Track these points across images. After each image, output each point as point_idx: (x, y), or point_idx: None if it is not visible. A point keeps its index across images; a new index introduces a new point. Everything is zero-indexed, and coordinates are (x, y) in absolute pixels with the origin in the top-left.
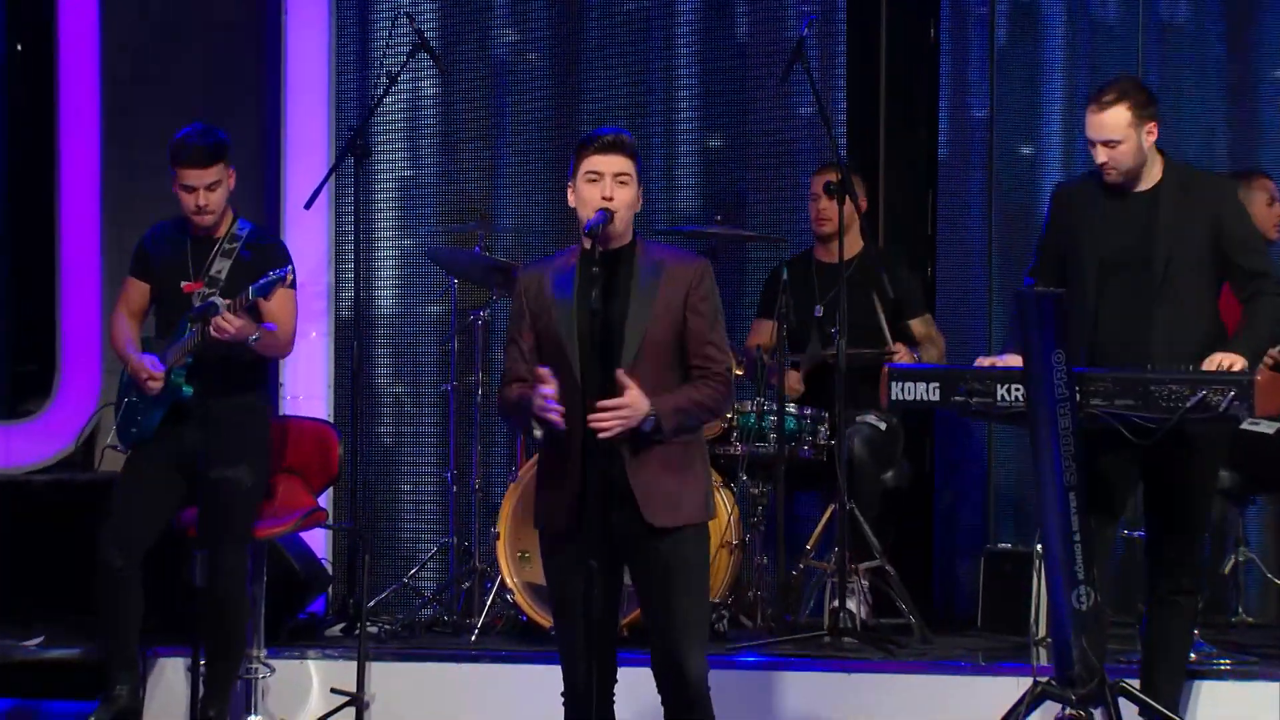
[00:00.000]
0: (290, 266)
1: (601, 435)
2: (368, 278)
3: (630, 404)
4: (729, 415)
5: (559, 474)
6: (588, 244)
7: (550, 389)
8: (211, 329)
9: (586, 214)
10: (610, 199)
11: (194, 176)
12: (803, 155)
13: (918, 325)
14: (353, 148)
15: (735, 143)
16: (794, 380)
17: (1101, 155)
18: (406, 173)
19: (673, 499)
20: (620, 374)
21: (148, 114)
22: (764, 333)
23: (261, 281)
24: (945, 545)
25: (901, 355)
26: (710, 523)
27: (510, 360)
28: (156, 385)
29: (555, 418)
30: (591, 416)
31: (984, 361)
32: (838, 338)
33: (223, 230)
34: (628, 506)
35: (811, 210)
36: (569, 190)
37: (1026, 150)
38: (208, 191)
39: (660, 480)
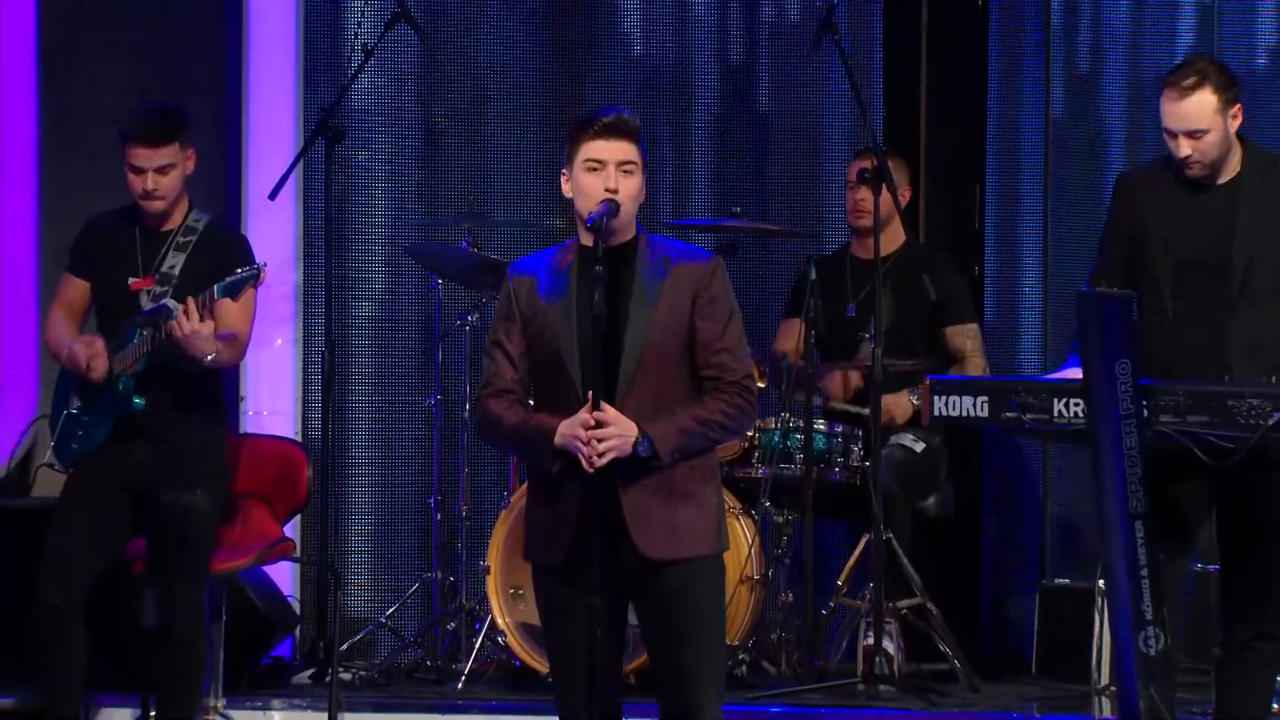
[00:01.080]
0: (262, 264)
1: (589, 467)
2: (340, 277)
3: (613, 426)
4: (749, 433)
5: (552, 499)
6: (588, 240)
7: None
8: (173, 326)
9: (585, 206)
10: (615, 191)
11: (144, 156)
12: (834, 140)
13: (958, 336)
14: (324, 130)
15: (756, 125)
16: (838, 386)
17: (1184, 148)
18: (385, 158)
19: (670, 528)
20: (601, 410)
21: (91, 92)
22: (792, 335)
23: (230, 279)
24: (995, 580)
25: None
26: (728, 555)
27: (494, 367)
28: (101, 367)
29: (593, 455)
30: (574, 447)
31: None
32: (873, 344)
33: (176, 220)
34: (625, 537)
35: (848, 200)
36: (563, 179)
37: (1088, 133)
38: (158, 174)
39: (655, 508)
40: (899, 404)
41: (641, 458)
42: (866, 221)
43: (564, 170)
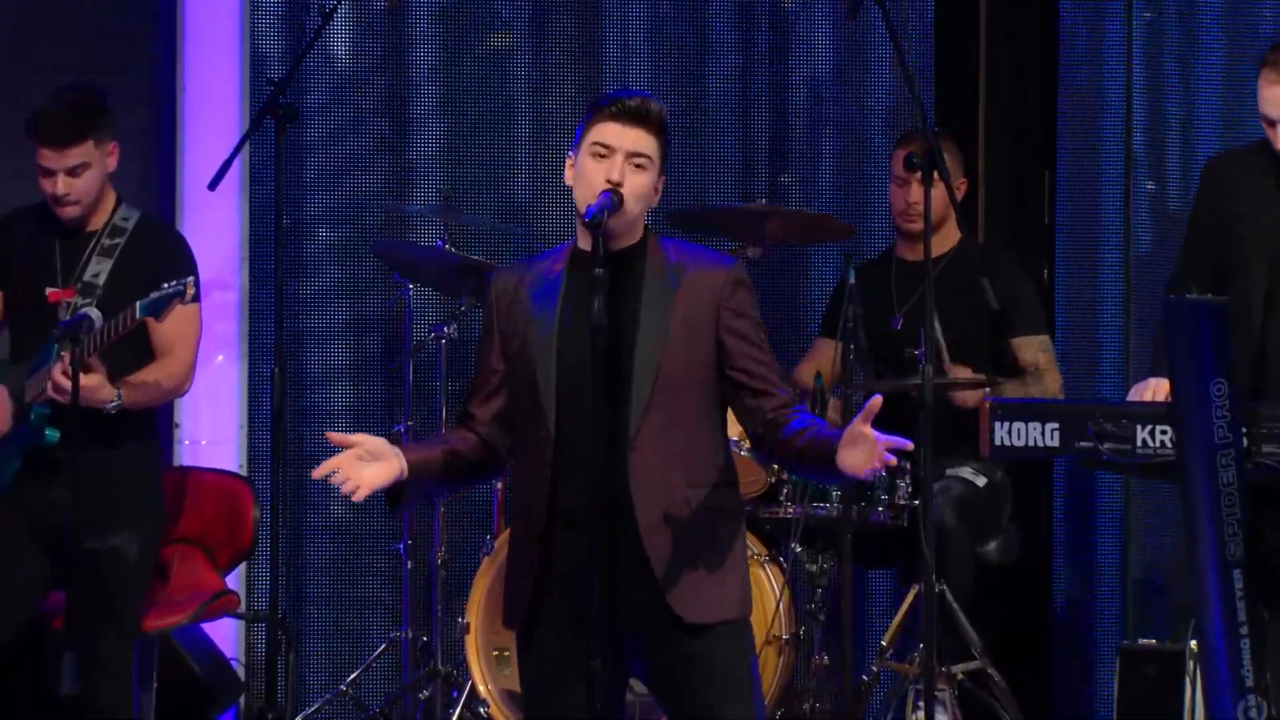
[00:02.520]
0: (192, 276)
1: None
2: (293, 282)
3: None
4: (776, 466)
5: (526, 556)
6: (586, 242)
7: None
8: (48, 388)
9: (584, 198)
10: (618, 183)
11: (52, 157)
12: (877, 121)
13: (1027, 348)
14: (273, 108)
15: (785, 103)
16: (836, 411)
17: None
18: (345, 142)
19: (709, 586)
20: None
21: None
22: (823, 356)
23: (152, 296)
24: (1068, 640)
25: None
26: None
27: (471, 387)
28: (2, 428)
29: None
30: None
31: (1144, 394)
32: (922, 361)
33: (100, 220)
34: (644, 588)
35: (894, 198)
36: (567, 163)
37: (1177, 115)
38: (70, 176)
39: (691, 558)
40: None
41: (666, 493)
42: (918, 225)
43: (570, 154)
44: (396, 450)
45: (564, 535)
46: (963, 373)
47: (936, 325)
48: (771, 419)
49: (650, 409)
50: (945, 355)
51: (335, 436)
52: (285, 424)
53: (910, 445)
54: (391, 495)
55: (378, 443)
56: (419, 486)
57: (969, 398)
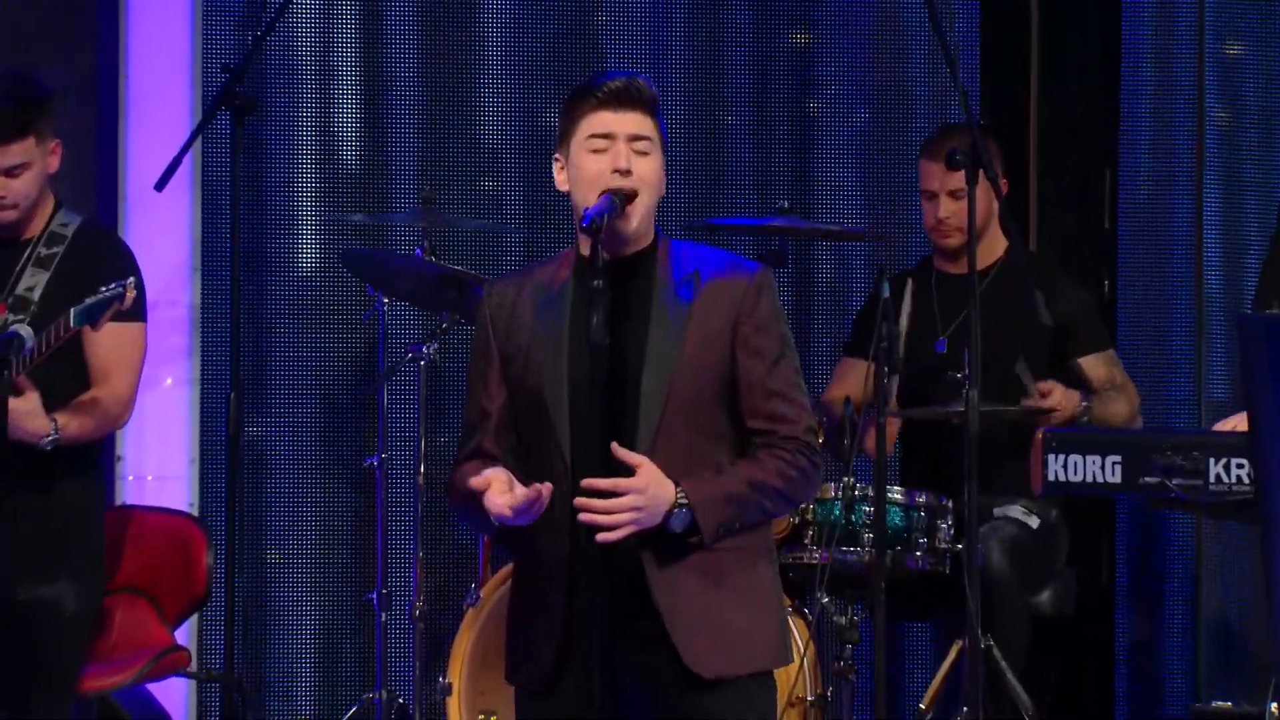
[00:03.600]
0: (132, 278)
1: (601, 539)
2: (252, 295)
3: (643, 488)
4: (807, 504)
5: (539, 601)
6: (587, 247)
7: (524, 498)
8: None
9: (586, 199)
10: (627, 171)
11: None
12: (913, 113)
13: (1095, 365)
14: (228, 98)
15: (807, 95)
16: (890, 433)
17: None
18: (311, 137)
19: (727, 634)
20: (620, 450)
21: None
22: (853, 379)
23: (87, 302)
24: (1133, 702)
25: (1061, 406)
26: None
27: (467, 423)
28: None
29: (509, 512)
30: (580, 503)
31: (1226, 428)
32: (967, 386)
33: (37, 227)
34: (654, 644)
35: (926, 215)
36: (555, 165)
37: (1255, 106)
38: (7, 178)
39: (705, 604)
40: (1070, 397)
41: (674, 534)
42: (954, 240)
43: (556, 155)
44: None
45: (588, 582)
46: (1055, 391)
47: (1022, 363)
48: (752, 447)
49: (660, 436)
50: (1030, 384)
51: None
52: (242, 456)
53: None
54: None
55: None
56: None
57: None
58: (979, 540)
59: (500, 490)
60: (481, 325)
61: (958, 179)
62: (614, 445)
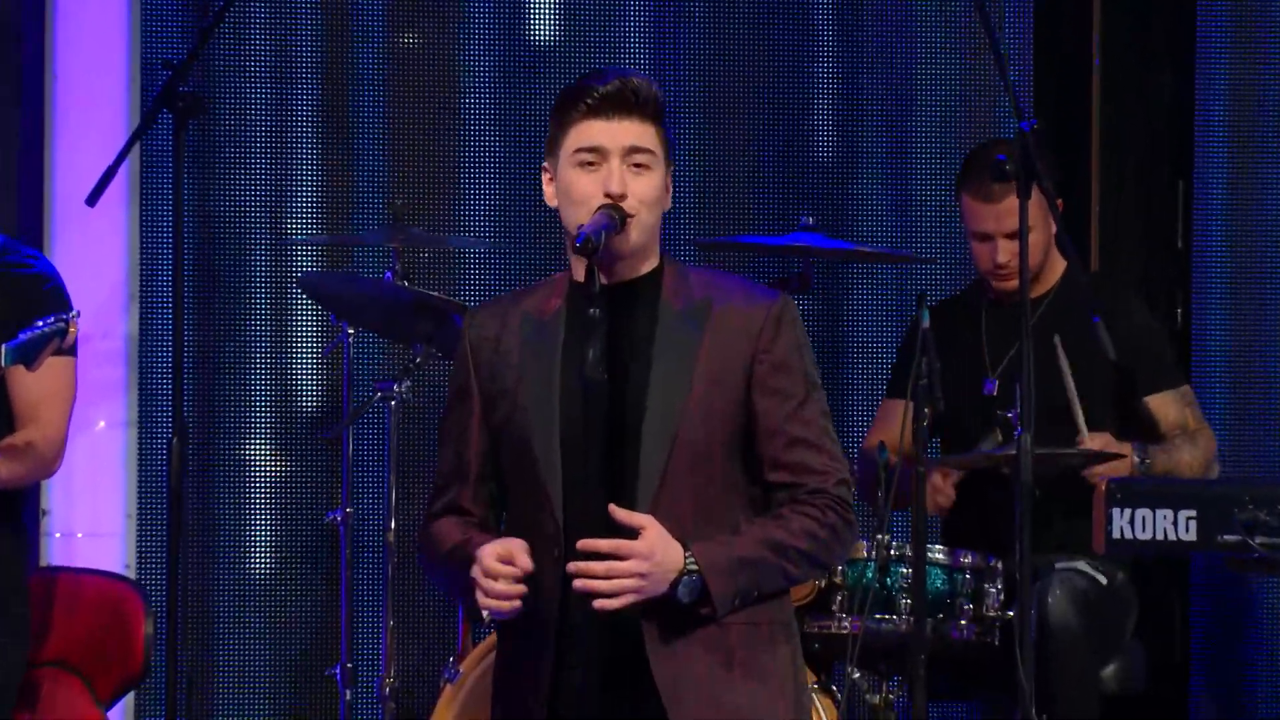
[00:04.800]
0: (74, 313)
1: (599, 607)
2: (197, 324)
3: (649, 552)
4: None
5: (526, 676)
6: (581, 271)
7: (512, 571)
8: None
9: (576, 219)
10: (621, 196)
11: None
12: (958, 119)
13: (1166, 405)
14: (170, 100)
15: (835, 99)
16: (939, 487)
17: None
18: (266, 143)
19: (730, 716)
20: (619, 512)
21: None
22: (895, 427)
23: (22, 338)
24: None
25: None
26: None
27: (441, 474)
28: None
29: (505, 607)
30: (575, 568)
31: None
32: (1019, 430)
33: None
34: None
35: (980, 259)
36: (545, 179)
37: None
38: None
39: (712, 685)
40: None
41: (680, 604)
42: (1014, 283)
43: (545, 165)
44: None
45: (580, 655)
46: (1102, 443)
47: (1069, 380)
48: (774, 504)
49: (664, 491)
50: (1081, 421)
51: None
52: (186, 511)
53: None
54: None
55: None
56: None
57: (1114, 469)
58: (1039, 593)
59: (506, 578)
60: (461, 361)
61: (1015, 217)
62: (612, 507)
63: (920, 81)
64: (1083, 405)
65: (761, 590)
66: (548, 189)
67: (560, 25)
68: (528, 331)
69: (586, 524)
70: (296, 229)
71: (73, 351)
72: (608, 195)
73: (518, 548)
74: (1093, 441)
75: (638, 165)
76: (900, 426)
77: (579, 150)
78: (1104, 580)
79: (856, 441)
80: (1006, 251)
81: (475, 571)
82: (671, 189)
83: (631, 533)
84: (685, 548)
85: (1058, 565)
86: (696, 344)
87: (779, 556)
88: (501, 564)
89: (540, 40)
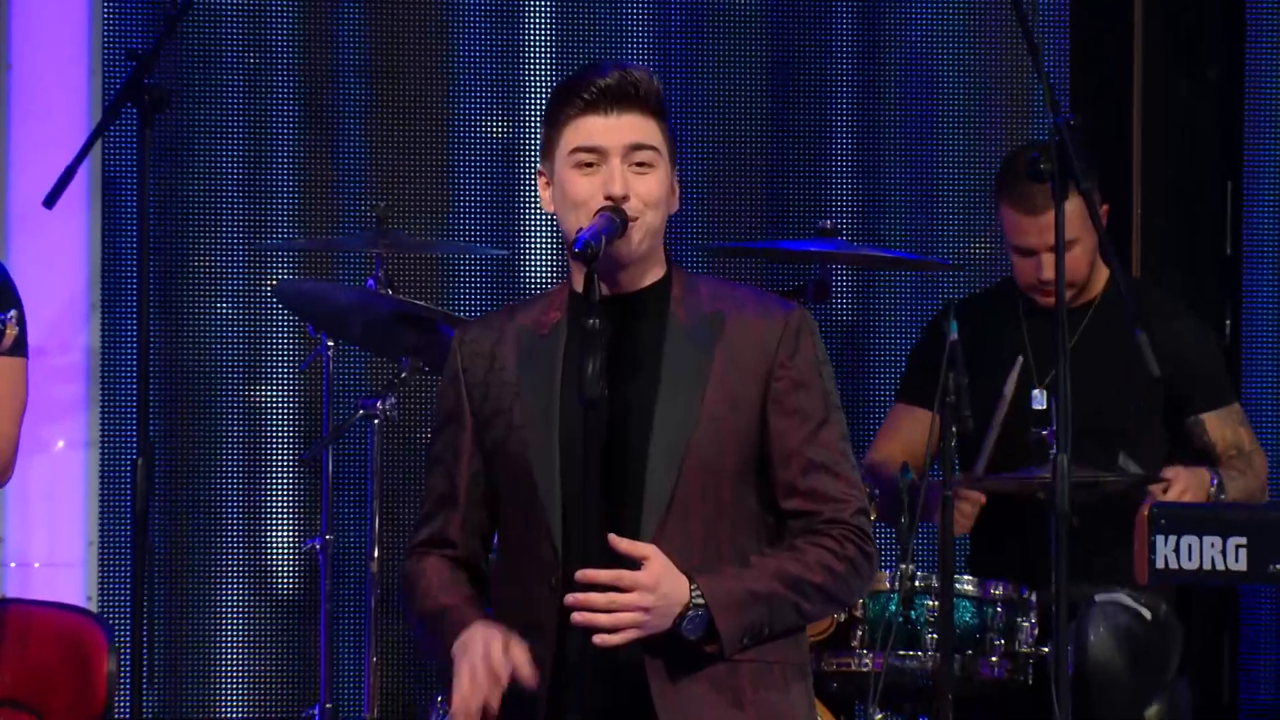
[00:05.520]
0: (14, 311)
1: (599, 642)
2: (164, 336)
3: (652, 584)
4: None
5: (523, 716)
6: (580, 280)
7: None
8: None
9: (575, 223)
10: (622, 197)
11: None
12: (987, 116)
13: (1217, 425)
14: (135, 94)
15: (855, 94)
16: (964, 511)
17: None
18: (239, 140)
19: None
20: (620, 542)
21: None
22: (908, 432)
23: None
24: None
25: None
26: None
27: (430, 498)
28: None
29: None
30: (573, 600)
31: None
32: (1055, 452)
33: None
34: None
35: (1021, 274)
36: (540, 183)
37: None
38: None
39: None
40: (1197, 479)
41: (688, 640)
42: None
43: (540, 168)
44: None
45: (579, 695)
46: (1178, 479)
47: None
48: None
49: (670, 518)
50: (1130, 470)
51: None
52: (152, 538)
53: None
54: None
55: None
56: None
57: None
58: (1076, 628)
59: (478, 686)
60: (451, 381)
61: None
62: (612, 537)
63: (946, 76)
64: (1128, 425)
65: (773, 628)
66: (544, 194)
67: (560, 18)
68: (525, 347)
69: (586, 552)
70: (272, 232)
71: (20, 352)
72: (608, 198)
73: (520, 659)
74: (1177, 483)
75: (640, 164)
76: (913, 436)
77: (576, 150)
78: (1147, 614)
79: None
80: (1052, 267)
81: (461, 667)
82: (679, 190)
83: (634, 563)
84: (691, 580)
85: (1097, 598)
86: (707, 360)
87: (793, 591)
88: (494, 668)
89: (538, 33)
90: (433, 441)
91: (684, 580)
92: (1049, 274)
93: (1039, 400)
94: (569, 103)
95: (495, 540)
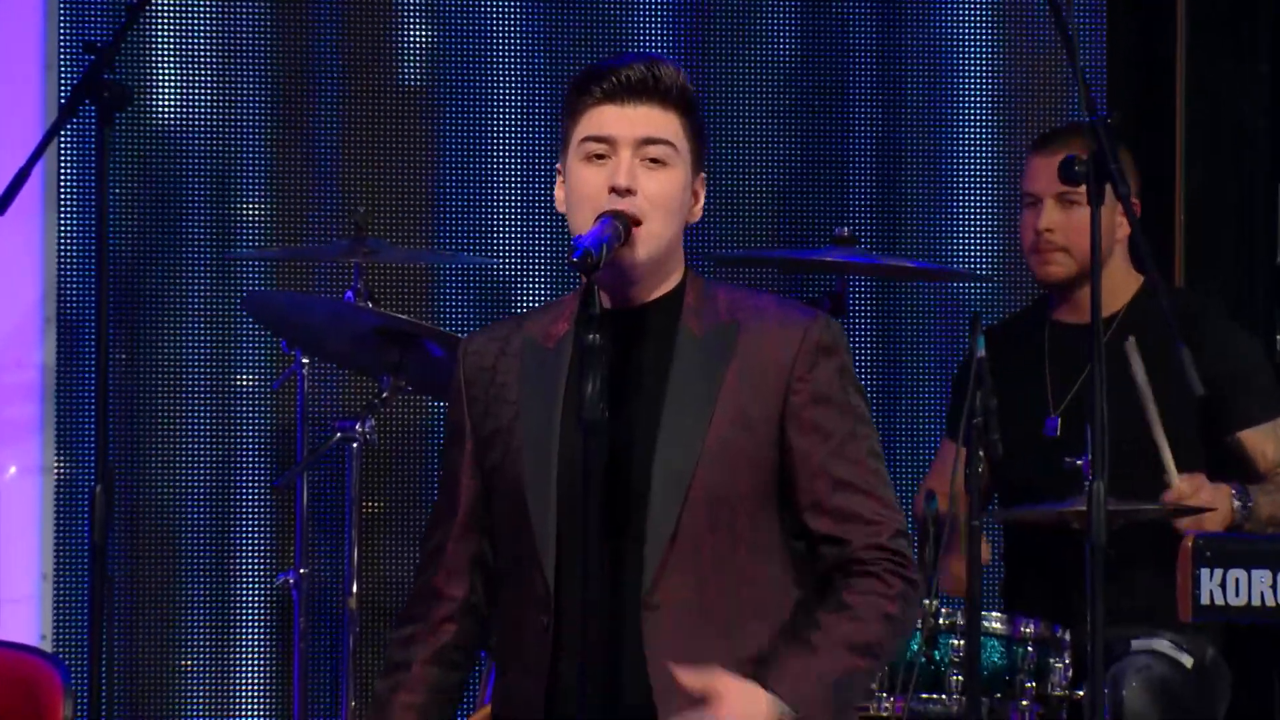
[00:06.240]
0: None
1: None
2: (126, 353)
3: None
4: None
5: None
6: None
7: None
8: None
9: (579, 223)
10: (626, 190)
11: None
12: (1019, 118)
13: (1262, 440)
14: (93, 90)
15: (875, 93)
16: (954, 570)
17: None
18: (207, 141)
19: None
20: (685, 676)
21: None
22: (950, 467)
23: None
24: None
25: (1214, 504)
26: None
27: (434, 517)
28: None
29: None
30: None
31: None
32: (1090, 480)
33: None
34: None
35: (1024, 227)
36: (558, 181)
37: None
38: None
39: None
40: (1219, 496)
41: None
42: (1059, 269)
43: (558, 164)
44: None
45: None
46: (1202, 490)
47: (1156, 422)
48: (828, 576)
49: (675, 551)
50: (1171, 467)
51: None
52: (112, 572)
53: None
54: None
55: None
56: None
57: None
58: (1112, 678)
59: None
60: (455, 395)
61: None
62: (677, 673)
63: (973, 71)
64: (1161, 445)
65: (854, 701)
66: (559, 192)
67: (558, 11)
68: (528, 361)
69: (585, 590)
70: (242, 241)
71: None
72: (613, 190)
73: None
74: (1185, 485)
75: (653, 160)
76: (953, 472)
77: (586, 140)
78: (1189, 662)
79: (905, 487)
80: (1050, 217)
81: None
82: (703, 199)
83: (636, 603)
84: (767, 686)
85: (1135, 646)
86: (718, 377)
87: (866, 658)
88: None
89: (534, 28)
90: (443, 454)
91: (761, 695)
92: (1044, 223)
93: (1053, 424)
94: (587, 92)
95: None
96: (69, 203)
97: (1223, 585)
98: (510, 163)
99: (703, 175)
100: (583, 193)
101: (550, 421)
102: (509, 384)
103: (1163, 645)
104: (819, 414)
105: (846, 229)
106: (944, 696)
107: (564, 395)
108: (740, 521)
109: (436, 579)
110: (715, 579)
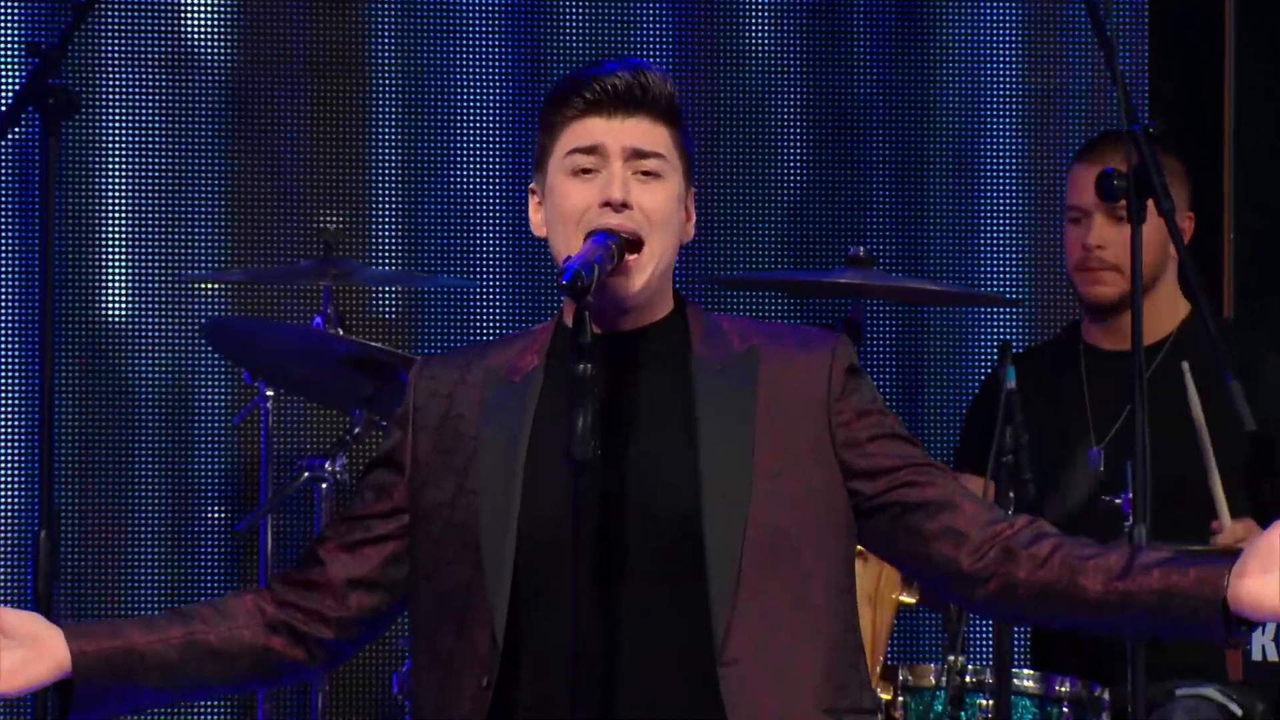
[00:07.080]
0: None
1: None
2: (73, 384)
3: None
4: (886, 696)
5: None
6: (571, 314)
7: None
8: None
9: (567, 243)
10: (622, 205)
11: None
12: (1049, 129)
13: None
14: (38, 96)
15: (893, 102)
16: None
17: None
18: (163, 151)
19: None
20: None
21: None
22: None
23: None
24: None
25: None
26: None
27: (323, 530)
28: None
29: None
30: None
31: None
32: (1130, 525)
33: None
34: None
35: (1070, 243)
36: (532, 202)
37: None
38: None
39: None
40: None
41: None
42: (1110, 289)
43: (532, 184)
44: (57, 630)
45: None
46: (1246, 533)
47: (1209, 455)
48: (998, 538)
49: (740, 597)
50: (1223, 506)
51: None
52: (59, 616)
53: None
54: (62, 698)
55: (23, 620)
56: (112, 690)
57: None
58: None
59: None
60: (400, 418)
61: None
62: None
63: (1000, 79)
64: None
65: None
66: (534, 216)
67: (540, 21)
68: (490, 394)
69: (539, 649)
70: (201, 262)
71: None
72: (606, 204)
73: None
74: (1240, 528)
75: (646, 174)
76: None
77: (572, 152)
78: (1239, 712)
79: None
80: (1101, 234)
81: None
82: (694, 217)
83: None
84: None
85: (1179, 692)
86: (749, 406)
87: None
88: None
89: (527, 31)
90: (364, 473)
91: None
92: (1094, 240)
93: (1095, 456)
94: (567, 103)
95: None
96: (8, 219)
97: (1276, 640)
98: (496, 175)
99: (693, 190)
100: (567, 209)
101: (512, 464)
102: (466, 417)
103: (1210, 692)
104: (869, 426)
105: (863, 248)
106: None
107: (530, 433)
108: (804, 554)
109: (320, 551)
110: (788, 623)
